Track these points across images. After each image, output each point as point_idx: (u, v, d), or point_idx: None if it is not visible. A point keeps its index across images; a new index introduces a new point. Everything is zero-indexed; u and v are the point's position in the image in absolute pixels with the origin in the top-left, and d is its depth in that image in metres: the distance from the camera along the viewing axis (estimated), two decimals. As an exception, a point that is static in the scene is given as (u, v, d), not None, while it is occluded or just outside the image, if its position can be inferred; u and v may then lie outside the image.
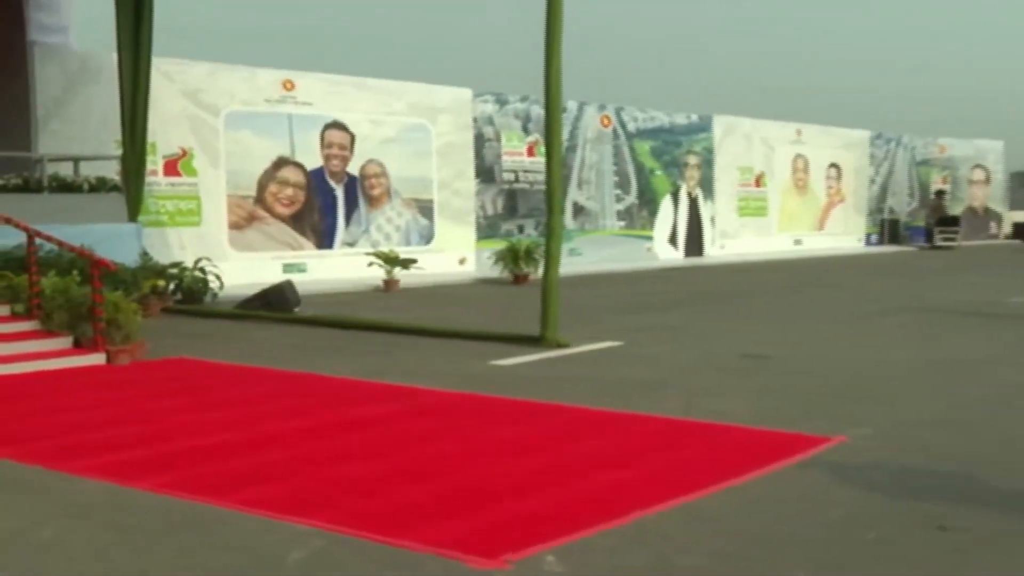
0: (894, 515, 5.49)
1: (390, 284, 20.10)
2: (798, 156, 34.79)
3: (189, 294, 16.82)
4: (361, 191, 22.51)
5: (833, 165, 36.20)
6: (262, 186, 20.87)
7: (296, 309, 15.90)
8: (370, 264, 20.40)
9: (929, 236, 36.88)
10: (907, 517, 5.45)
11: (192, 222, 19.71)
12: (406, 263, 20.35)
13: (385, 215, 22.96)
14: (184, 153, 19.67)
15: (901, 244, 37.43)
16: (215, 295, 17.14)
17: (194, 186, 19.78)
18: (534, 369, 10.54)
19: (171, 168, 19.48)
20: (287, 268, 20.81)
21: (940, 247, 35.97)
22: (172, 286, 16.74)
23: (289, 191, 21.29)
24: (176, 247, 19.07)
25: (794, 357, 11.15)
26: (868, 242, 37.40)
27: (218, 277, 17.30)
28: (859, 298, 18.34)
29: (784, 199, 34.18)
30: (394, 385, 9.58)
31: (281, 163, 21.19)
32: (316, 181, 21.72)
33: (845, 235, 36.44)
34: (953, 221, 37.47)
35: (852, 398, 8.80)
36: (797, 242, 34.34)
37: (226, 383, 9.94)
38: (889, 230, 37.92)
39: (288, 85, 21.31)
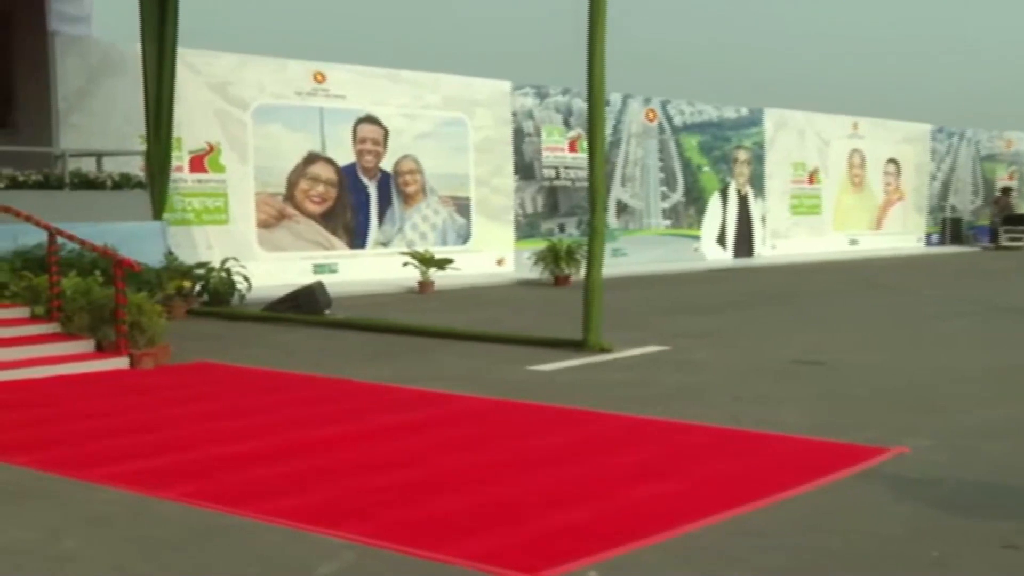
0: (958, 532, 5.43)
1: (425, 286, 20.12)
2: (854, 151, 34.56)
3: (216, 295, 16.89)
4: (395, 188, 22.56)
5: (891, 160, 35.94)
6: (292, 183, 20.95)
7: (327, 311, 15.95)
8: (404, 265, 20.43)
9: (994, 236, 36.52)
10: (972, 534, 5.38)
11: (219, 220, 19.82)
12: (442, 264, 20.36)
13: (420, 213, 22.99)
14: (211, 148, 19.78)
15: (964, 244, 37.09)
16: (243, 296, 17.21)
17: (221, 183, 19.90)
18: (575, 375, 10.52)
19: (197, 164, 19.59)
20: (318, 269, 20.88)
21: (1006, 247, 35.60)
22: (198, 287, 16.81)
23: (320, 188, 21.36)
24: (202, 246, 19.17)
25: (850, 363, 11.07)
26: (928, 242, 37.09)
27: (246, 278, 17.37)
28: (919, 301, 18.19)
29: (839, 196, 33.96)
30: (428, 391, 9.58)
31: (312, 159, 21.27)
32: (348, 178, 21.79)
33: (904, 235, 36.17)
34: (1020, 220, 37.08)
35: (912, 407, 8.72)
36: (853, 242, 34.12)
37: (253, 389, 9.98)
38: (951, 229, 37.59)
39: (319, 77, 21.39)
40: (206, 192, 19.70)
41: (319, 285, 16.57)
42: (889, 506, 5.87)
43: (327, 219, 21.44)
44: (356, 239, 21.87)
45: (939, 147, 37.86)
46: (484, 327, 13.93)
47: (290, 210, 20.90)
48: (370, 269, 21.60)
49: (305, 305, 15.88)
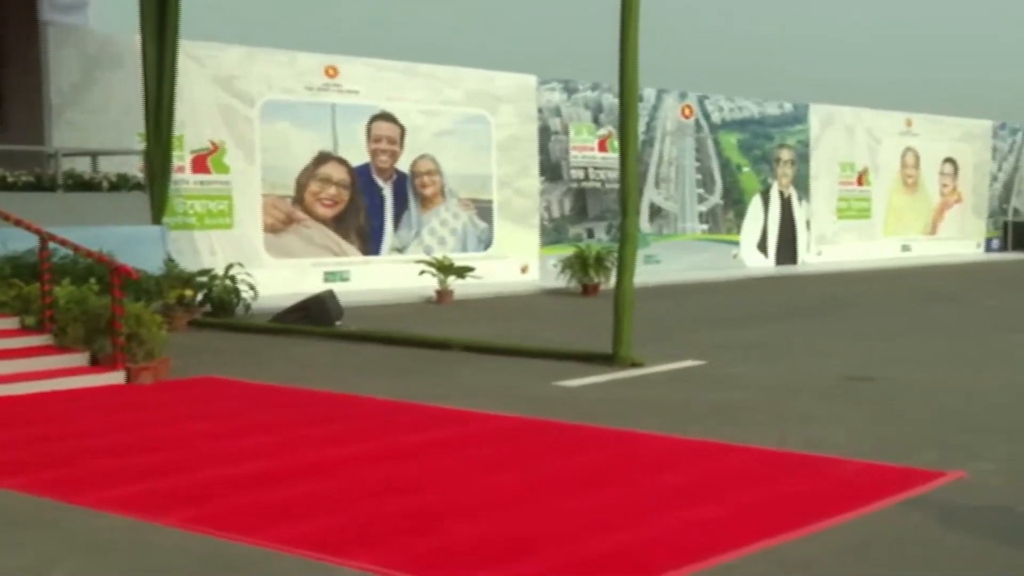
0: (1020, 564, 5.38)
1: (444, 295, 20.14)
2: (908, 150, 34.46)
3: (220, 305, 16.93)
4: (412, 190, 22.60)
5: (948, 160, 35.81)
6: (302, 184, 21.01)
7: (338, 323, 15.97)
8: (421, 273, 20.46)
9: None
10: (1035, 566, 5.34)
11: (223, 224, 19.89)
12: (462, 271, 20.38)
13: (439, 217, 23.02)
14: (215, 147, 19.85)
15: (1027, 251, 36.93)
16: (248, 306, 17.24)
17: (226, 184, 19.97)
18: (605, 391, 10.50)
19: (200, 164, 19.67)
20: (329, 276, 20.93)
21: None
22: (200, 296, 16.86)
23: (332, 190, 21.42)
24: (205, 252, 19.24)
25: (903, 380, 11.01)
26: (989, 248, 36.94)
27: (252, 286, 17.40)
28: (979, 313, 18.09)
29: (891, 199, 33.86)
30: (448, 409, 9.58)
31: (323, 159, 21.32)
32: (362, 179, 21.83)
33: (962, 240, 36.03)
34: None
35: (971, 428, 8.66)
36: (906, 248, 34.00)
37: (260, 406, 9.99)
38: (1014, 234, 37.40)
39: (331, 71, 21.45)
40: (209, 194, 19.77)
41: (330, 294, 16.59)
42: (945, 536, 5.82)
43: (339, 223, 21.49)
44: (370, 245, 21.90)
45: (1001, 145, 37.70)
46: (507, 340, 13.93)
47: (299, 214, 20.95)
48: (384, 277, 21.64)
49: (315, 316, 15.90)
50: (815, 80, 48.73)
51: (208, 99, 19.78)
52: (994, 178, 37.43)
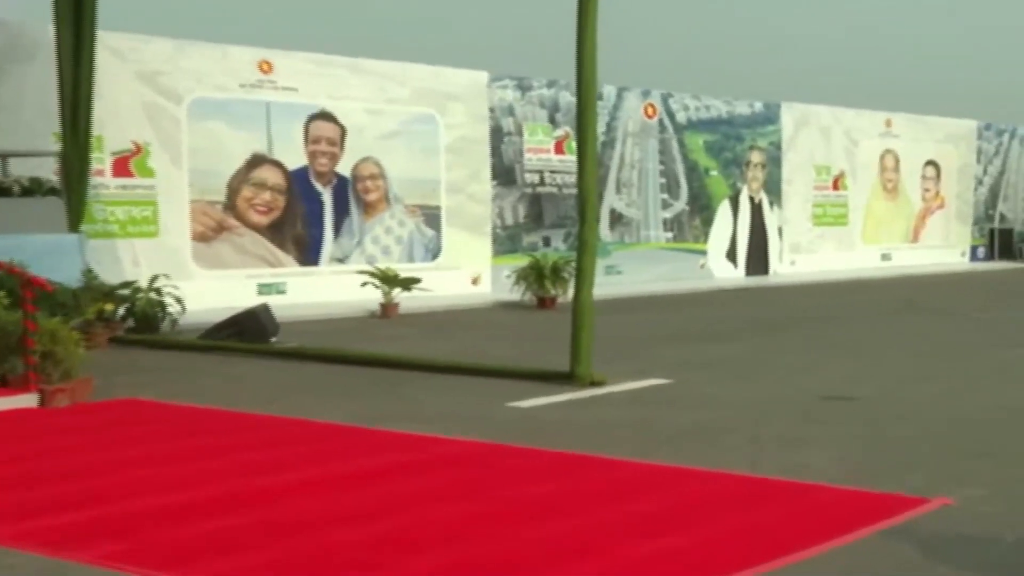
0: (1012, 596, 5.41)
1: (388, 309, 20.10)
2: (887, 152, 34.71)
3: (144, 320, 16.82)
4: (354, 196, 22.54)
5: (931, 163, 36.11)
6: (234, 189, 20.91)
7: (274, 339, 15.90)
8: (364, 284, 20.39)
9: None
10: (1029, 598, 5.37)
11: (147, 233, 19.76)
12: (408, 283, 20.35)
13: (383, 225, 22.97)
14: (138, 149, 19.72)
15: (1016, 259, 37.24)
16: (175, 322, 17.14)
17: (150, 189, 19.83)
18: (563, 412, 10.49)
19: (122, 167, 19.53)
20: (263, 289, 20.83)
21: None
22: (123, 311, 16.75)
23: (266, 195, 21.33)
24: (128, 263, 19.11)
25: (885, 399, 11.07)
26: (974, 257, 37.26)
27: (179, 300, 17.30)
28: (965, 326, 18.23)
29: (870, 205, 34.09)
30: (394, 432, 9.54)
31: (257, 161, 21.23)
32: (299, 183, 21.75)
33: (945, 248, 36.32)
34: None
35: (959, 451, 8.71)
36: (885, 257, 34.24)
37: (189, 430, 9.91)
38: (1000, 242, 37.71)
39: (266, 66, 21.38)
40: (132, 200, 19.63)
41: (265, 308, 16.52)
42: (934, 568, 5.84)
43: (274, 231, 21.40)
44: (308, 255, 21.82)
45: (987, 147, 38.05)
46: (457, 357, 13.91)
47: (231, 221, 20.84)
48: (324, 289, 21.55)
49: (249, 332, 15.82)
50: (788, 77, 49.03)
51: (130, 96, 19.64)
52: (979, 182, 37.76)
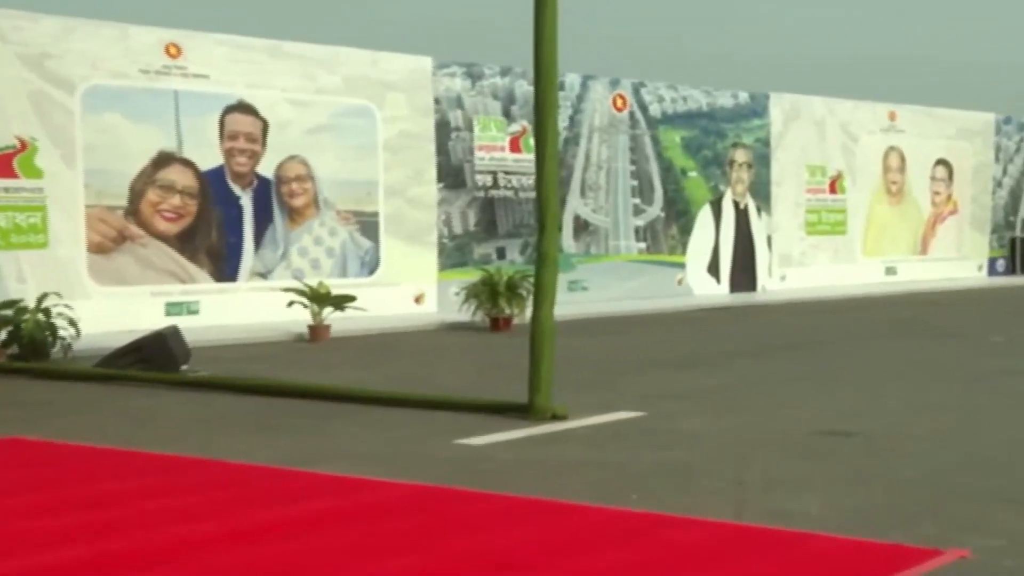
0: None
1: (318, 331, 20.05)
2: (891, 149, 34.94)
3: (30, 346, 16.72)
4: (277, 200, 22.48)
5: (942, 162, 36.35)
6: (137, 192, 20.83)
7: (184, 367, 15.82)
8: (290, 304, 20.33)
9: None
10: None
11: (35, 243, 19.65)
12: (341, 302, 20.31)
13: (311, 234, 22.93)
14: (23, 146, 19.62)
15: (1039, 273, 37.47)
16: (68, 347, 17.05)
17: (38, 192, 19.73)
18: (519, 451, 10.47)
19: (4, 166, 19.42)
20: (172, 309, 20.75)
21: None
22: (5, 335, 16.63)
23: (175, 200, 21.25)
24: (12, 279, 18.98)
25: (889, 434, 11.09)
26: (992, 270, 37.46)
27: (72, 322, 17.20)
28: (981, 352, 18.31)
29: (872, 210, 34.29)
30: (324, 475, 9.49)
31: (164, 160, 21.17)
32: (213, 186, 21.68)
33: (959, 261, 36.54)
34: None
35: (975, 494, 8.72)
36: (890, 271, 34.43)
37: (84, 474, 9.83)
38: (1023, 254, 37.84)
39: (173, 50, 21.32)
40: (16, 205, 19.52)
41: (173, 331, 16.43)
42: (946, 628, 5.85)
43: (185, 241, 21.32)
44: (224, 268, 21.75)
45: (1006, 143, 38.27)
46: (397, 387, 13.87)
47: (134, 229, 20.76)
48: (244, 309, 21.49)
49: (155, 359, 15.73)
50: (777, 64, 49.28)
51: (14, 83, 19.53)
52: (998, 184, 37.97)
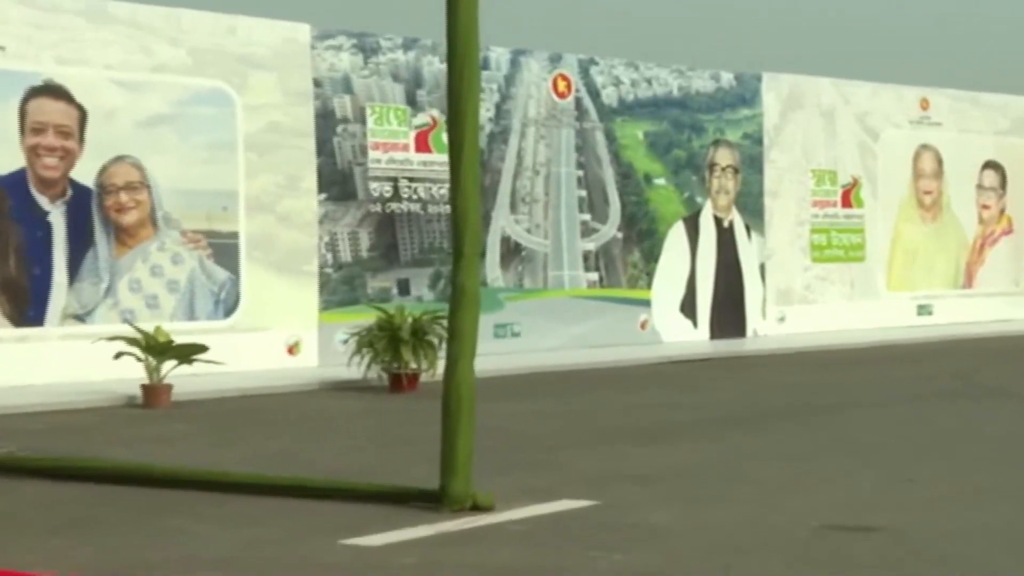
0: None
1: (156, 393, 19.90)
2: (924, 148, 35.14)
3: None
4: (100, 216, 22.35)
5: (991, 165, 36.59)
6: (-94, 205, 20.74)
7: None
8: (118, 355, 20.19)
9: None
10: None
11: None
12: (187, 354, 20.19)
13: (147, 262, 22.81)
14: None
15: None
16: None
17: None
18: (428, 553, 10.43)
19: None
20: (-46, 362, 20.66)
21: None
22: None
23: (-41, 215, 21.17)
24: None
25: (921, 531, 11.11)
26: (1062, 309, 37.64)
27: None
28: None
29: (899, 230, 34.48)
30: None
31: (-58, 162, 21.10)
32: (13, 196, 21.57)
33: (1014, 296, 36.72)
34: None
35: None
36: (923, 310, 34.60)
37: None
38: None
39: (-46, 13, 21.27)
40: None
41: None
42: None
43: (-29, 271, 21.23)
44: (26, 309, 21.63)
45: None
46: (265, 469, 13.80)
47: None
48: (53, 363, 21.38)
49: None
50: (772, 36, 49.58)
51: None
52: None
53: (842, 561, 10.10)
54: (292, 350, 24.18)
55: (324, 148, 24.90)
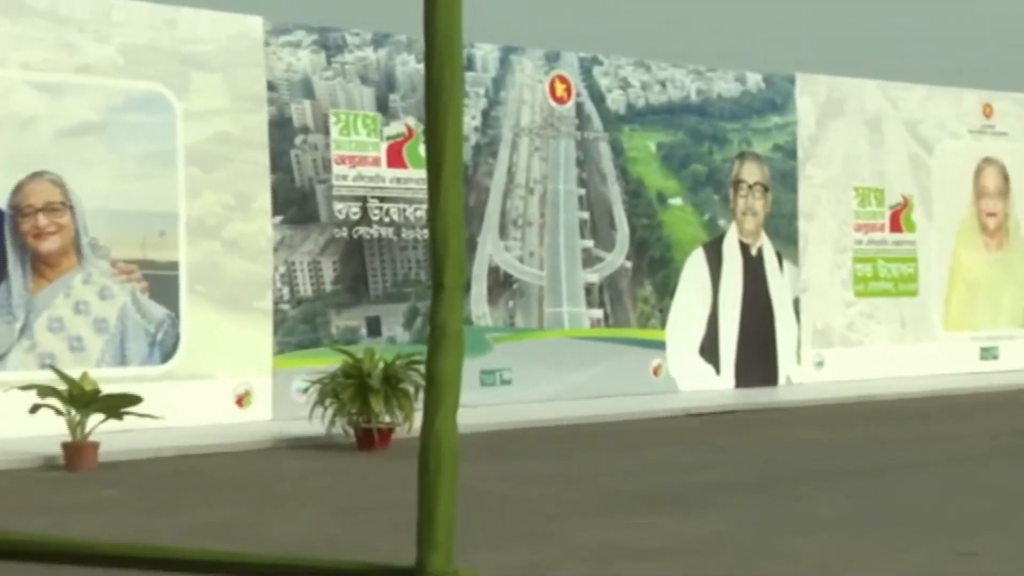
0: None
1: (80, 453, 19.90)
2: (986, 162, 35.17)
3: None
4: (14, 243, 22.36)
5: (1067, 182, 36.66)
6: None
7: None
8: (35, 408, 20.19)
9: None
10: None
11: None
12: (117, 406, 20.18)
13: (70, 296, 22.81)
14: None
15: None
16: None
17: None
18: (403, 647, 10.41)
19: None
20: None
21: None
22: None
23: None
24: None
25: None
26: None
27: None
28: None
29: (959, 258, 34.48)
30: None
31: None
32: (-88, 220, 21.64)
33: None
34: None
35: None
36: (987, 352, 34.62)
37: None
38: None
39: None
40: None
41: None
42: None
43: None
44: (-72, 352, 21.67)
45: None
46: (209, 543, 13.79)
47: None
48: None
49: None
50: (807, 32, 49.73)
51: None
52: None
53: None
54: (241, 401, 24.15)
55: (280, 162, 24.90)
